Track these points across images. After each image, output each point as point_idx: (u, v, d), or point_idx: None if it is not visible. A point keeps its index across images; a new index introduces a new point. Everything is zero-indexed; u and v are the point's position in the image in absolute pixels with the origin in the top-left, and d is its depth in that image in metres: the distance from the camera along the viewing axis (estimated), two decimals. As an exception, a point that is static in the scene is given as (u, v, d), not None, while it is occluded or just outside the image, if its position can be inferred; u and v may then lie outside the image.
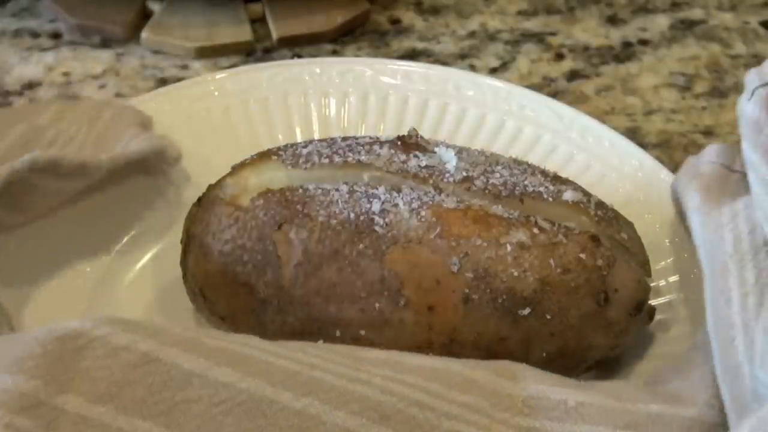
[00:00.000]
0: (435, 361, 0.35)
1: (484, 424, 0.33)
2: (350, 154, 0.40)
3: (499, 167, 0.40)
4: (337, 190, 0.38)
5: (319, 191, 0.38)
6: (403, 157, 0.40)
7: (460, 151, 0.41)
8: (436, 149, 0.41)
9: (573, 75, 0.64)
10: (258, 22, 0.66)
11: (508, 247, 0.36)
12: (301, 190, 0.38)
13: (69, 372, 0.30)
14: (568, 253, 0.36)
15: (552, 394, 0.35)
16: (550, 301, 0.36)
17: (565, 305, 0.36)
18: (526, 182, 0.39)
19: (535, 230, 0.36)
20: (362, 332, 0.37)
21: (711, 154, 0.43)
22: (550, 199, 0.39)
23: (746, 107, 0.38)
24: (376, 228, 0.36)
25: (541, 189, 0.39)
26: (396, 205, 0.37)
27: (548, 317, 0.36)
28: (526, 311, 0.36)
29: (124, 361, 0.31)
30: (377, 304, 0.36)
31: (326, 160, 0.40)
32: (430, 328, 0.36)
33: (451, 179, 0.39)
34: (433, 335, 0.36)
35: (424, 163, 0.39)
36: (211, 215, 0.39)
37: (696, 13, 0.70)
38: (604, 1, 0.71)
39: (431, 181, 0.38)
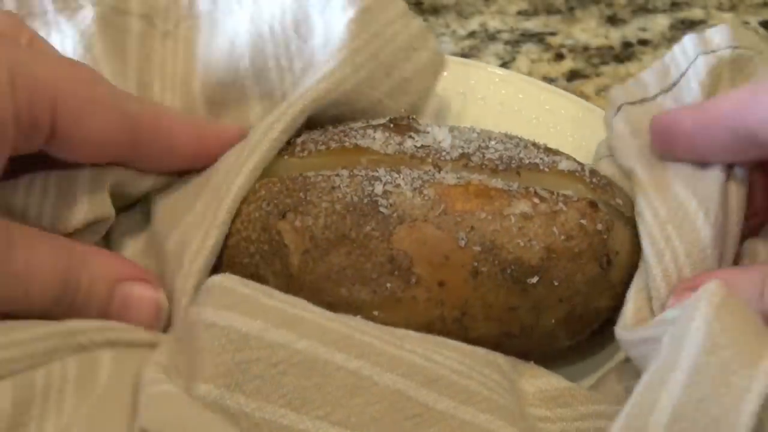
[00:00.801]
0: (458, 343, 0.36)
1: (512, 403, 0.35)
2: (346, 139, 0.40)
3: (492, 142, 0.40)
4: (337, 175, 0.38)
5: (320, 177, 0.38)
6: (398, 138, 0.40)
7: (452, 130, 0.41)
8: (429, 129, 0.41)
9: (573, 75, 0.64)
10: (259, 22, 0.67)
11: (512, 219, 0.36)
12: (301, 178, 0.38)
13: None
14: (570, 220, 0.37)
15: (556, 383, 0.37)
16: (556, 268, 0.37)
17: (570, 271, 0.37)
18: (521, 155, 0.40)
19: (536, 200, 0.37)
20: (375, 313, 0.37)
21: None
22: (546, 169, 0.39)
23: (615, 123, 0.42)
24: (381, 209, 0.37)
25: (537, 161, 0.40)
26: (398, 186, 0.37)
27: (556, 284, 0.37)
28: (535, 279, 0.37)
29: (185, 326, 0.34)
30: (388, 284, 0.37)
31: (323, 147, 0.40)
32: (442, 304, 0.37)
33: (448, 157, 0.39)
34: (445, 310, 0.37)
35: (419, 143, 0.40)
36: None
37: (696, 13, 0.70)
38: (604, 1, 0.71)
39: (429, 160, 0.39)
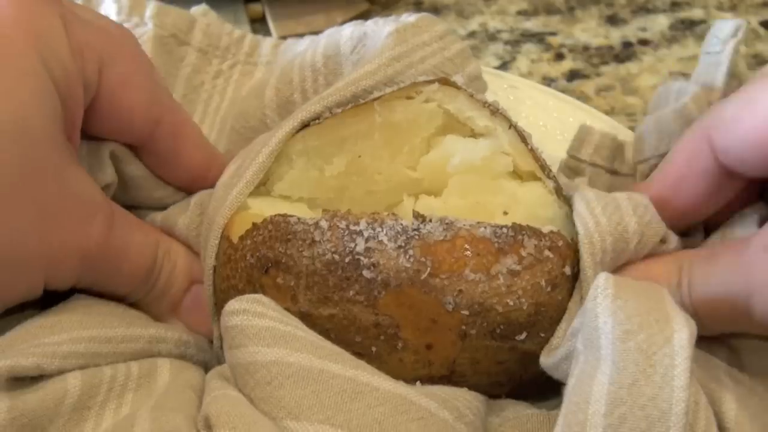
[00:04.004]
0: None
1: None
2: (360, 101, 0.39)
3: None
4: (317, 227, 0.36)
5: (301, 228, 0.36)
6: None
7: None
8: None
9: (573, 75, 0.64)
10: (258, 22, 0.66)
11: (500, 278, 0.35)
12: (284, 224, 0.36)
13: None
14: (554, 268, 0.36)
15: (524, 410, 0.38)
16: (543, 320, 0.36)
17: (556, 319, 0.36)
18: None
19: (523, 252, 0.35)
20: None
21: None
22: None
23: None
24: (364, 273, 0.35)
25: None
26: (381, 242, 0.35)
27: (542, 335, 0.36)
28: (523, 336, 0.36)
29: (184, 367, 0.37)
30: (374, 348, 0.36)
31: (338, 110, 0.39)
32: (429, 364, 0.36)
33: None
34: (433, 369, 0.36)
35: None
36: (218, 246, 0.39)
37: (696, 13, 0.70)
38: (604, 1, 0.71)
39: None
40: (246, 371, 0.33)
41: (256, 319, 0.33)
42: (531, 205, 0.38)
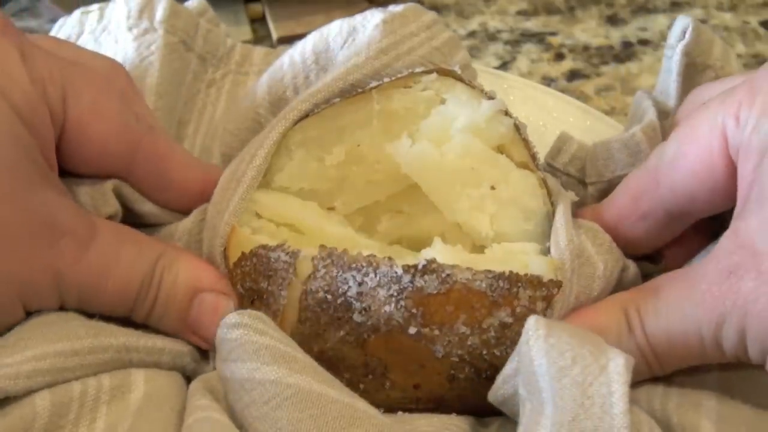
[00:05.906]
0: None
1: None
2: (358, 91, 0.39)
3: None
4: (291, 265, 0.35)
5: (281, 266, 0.36)
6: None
7: None
8: None
9: (573, 75, 0.64)
10: (258, 22, 0.66)
11: (491, 331, 0.34)
12: (264, 259, 0.36)
13: None
14: (545, 316, 0.35)
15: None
16: None
17: None
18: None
19: (516, 305, 0.35)
20: None
21: None
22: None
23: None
24: (355, 316, 0.35)
25: None
26: (373, 289, 0.34)
27: None
28: None
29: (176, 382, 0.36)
30: (362, 385, 0.36)
31: (336, 100, 0.39)
32: (417, 400, 0.36)
33: None
34: (420, 404, 0.37)
35: None
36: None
37: (696, 13, 0.70)
38: (604, 1, 0.71)
39: None
40: (241, 387, 0.32)
41: (257, 336, 0.33)
42: (520, 190, 0.38)
